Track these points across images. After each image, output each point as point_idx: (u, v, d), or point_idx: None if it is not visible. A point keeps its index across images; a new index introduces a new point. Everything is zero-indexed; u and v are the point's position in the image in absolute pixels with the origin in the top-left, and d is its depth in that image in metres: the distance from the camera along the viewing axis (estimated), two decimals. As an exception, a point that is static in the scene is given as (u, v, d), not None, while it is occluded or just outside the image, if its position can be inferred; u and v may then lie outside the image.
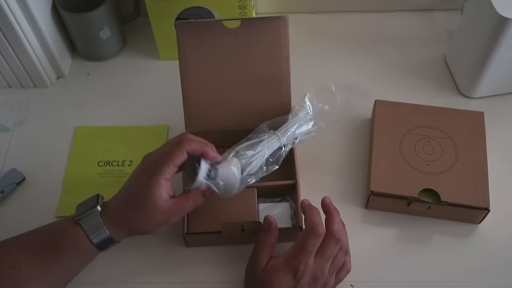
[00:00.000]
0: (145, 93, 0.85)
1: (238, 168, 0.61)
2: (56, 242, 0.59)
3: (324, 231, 0.59)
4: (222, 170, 0.60)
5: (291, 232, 0.67)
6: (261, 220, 0.66)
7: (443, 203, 0.67)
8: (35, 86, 0.86)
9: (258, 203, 0.68)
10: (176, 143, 0.60)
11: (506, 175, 0.74)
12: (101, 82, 0.87)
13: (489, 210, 0.67)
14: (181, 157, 0.59)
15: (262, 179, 0.67)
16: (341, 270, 0.63)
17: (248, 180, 0.62)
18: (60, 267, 0.59)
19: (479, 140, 0.72)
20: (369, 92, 0.71)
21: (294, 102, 0.72)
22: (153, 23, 0.83)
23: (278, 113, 0.71)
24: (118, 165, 0.76)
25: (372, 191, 0.68)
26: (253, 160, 0.62)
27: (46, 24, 0.80)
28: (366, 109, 0.79)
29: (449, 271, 0.67)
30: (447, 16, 0.93)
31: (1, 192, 0.73)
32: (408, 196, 0.68)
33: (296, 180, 0.68)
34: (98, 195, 0.62)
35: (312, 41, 0.91)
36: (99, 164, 0.77)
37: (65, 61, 0.88)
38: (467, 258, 0.68)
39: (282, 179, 0.72)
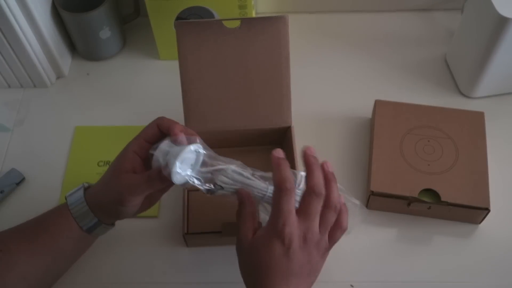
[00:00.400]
0: (145, 93, 0.85)
1: (191, 158, 0.55)
2: (45, 222, 0.60)
3: (292, 185, 0.54)
4: (173, 150, 0.54)
5: None
6: (261, 220, 0.66)
7: (443, 203, 0.67)
8: (35, 86, 0.86)
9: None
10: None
11: (506, 175, 0.74)
12: (101, 82, 0.87)
13: (489, 210, 0.66)
14: (151, 130, 0.58)
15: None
16: (334, 229, 0.57)
17: (204, 177, 0.56)
18: (48, 246, 0.60)
19: (479, 140, 0.72)
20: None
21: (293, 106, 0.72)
22: (153, 23, 0.83)
23: (278, 113, 0.71)
24: None
25: (372, 191, 0.68)
26: (227, 186, 0.57)
27: (46, 24, 0.80)
28: (366, 109, 0.79)
29: (449, 271, 0.67)
30: (447, 16, 0.93)
31: (1, 192, 0.73)
32: (408, 196, 0.68)
33: None
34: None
35: (312, 41, 0.91)
36: (99, 164, 0.77)
37: (65, 61, 0.88)
38: (467, 258, 0.68)
39: None
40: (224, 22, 0.69)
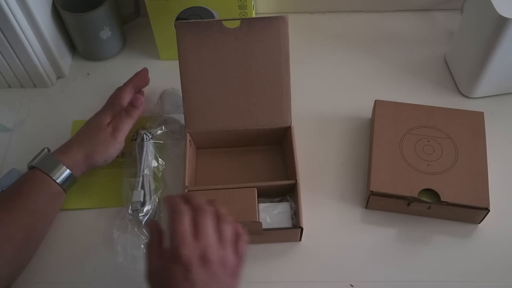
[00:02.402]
0: (145, 93, 0.85)
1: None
2: (19, 186, 0.66)
3: (183, 207, 0.54)
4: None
5: (292, 232, 0.67)
6: (261, 219, 0.66)
7: (443, 203, 0.67)
8: (35, 86, 0.86)
9: (258, 203, 0.68)
10: (127, 115, 0.73)
11: (506, 175, 0.74)
12: (101, 82, 0.87)
13: (489, 210, 0.67)
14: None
15: (263, 179, 0.70)
16: (237, 241, 0.56)
17: None
18: (26, 208, 0.64)
19: (479, 140, 0.72)
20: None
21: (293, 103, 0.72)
22: (153, 23, 0.83)
23: (278, 113, 0.72)
24: (117, 156, 0.76)
25: (372, 191, 0.68)
26: None
27: (46, 24, 0.80)
28: (366, 109, 0.79)
29: (449, 271, 0.67)
30: (447, 16, 0.93)
31: (1, 192, 0.73)
32: (408, 196, 0.68)
33: (296, 180, 0.68)
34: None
35: (312, 41, 0.91)
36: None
37: (65, 61, 0.88)
38: (467, 258, 0.68)
39: (282, 179, 0.72)
40: (224, 22, 0.69)
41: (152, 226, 0.57)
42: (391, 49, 0.89)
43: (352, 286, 0.66)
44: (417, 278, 0.67)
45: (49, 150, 0.69)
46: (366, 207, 0.72)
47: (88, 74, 0.88)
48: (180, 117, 0.76)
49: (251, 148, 0.77)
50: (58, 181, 0.66)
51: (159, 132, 0.76)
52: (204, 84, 0.71)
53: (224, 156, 0.76)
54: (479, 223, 0.70)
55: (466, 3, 0.81)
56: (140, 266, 0.63)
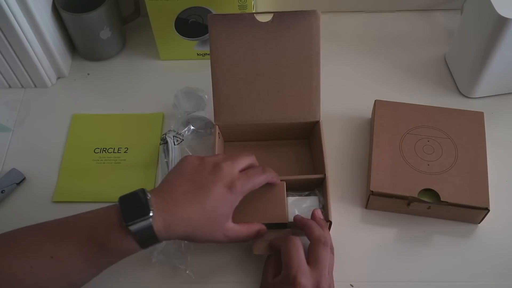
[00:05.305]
0: (145, 93, 0.85)
1: None
2: (103, 241, 0.54)
3: (299, 240, 0.59)
4: None
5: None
6: (290, 213, 0.66)
7: (443, 203, 0.67)
8: (35, 86, 0.86)
9: (287, 196, 0.67)
10: (262, 170, 0.62)
11: (506, 175, 0.74)
12: (101, 82, 0.87)
13: (489, 210, 0.67)
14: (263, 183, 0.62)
15: (290, 173, 0.71)
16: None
17: None
18: (102, 265, 0.57)
19: (479, 140, 0.72)
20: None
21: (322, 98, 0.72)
22: (153, 23, 0.83)
23: (307, 107, 0.72)
24: (114, 152, 0.77)
25: (372, 191, 0.69)
26: None
27: (46, 24, 0.80)
28: (366, 109, 0.80)
29: (449, 271, 0.67)
30: (447, 16, 0.93)
31: (1, 192, 0.73)
32: (408, 196, 0.68)
33: (325, 174, 0.68)
34: (144, 191, 0.56)
35: (312, 41, 0.91)
36: (95, 151, 0.78)
37: (65, 61, 0.88)
38: (467, 258, 0.68)
39: (308, 173, 0.72)
40: (256, 15, 0.69)
41: (279, 241, 0.61)
42: (391, 49, 0.89)
43: (352, 286, 0.66)
44: (417, 278, 0.67)
45: (152, 213, 0.54)
46: (366, 207, 0.72)
47: (88, 74, 0.88)
48: (202, 114, 0.76)
49: (278, 142, 0.76)
50: (144, 247, 0.56)
51: (186, 132, 0.76)
52: (234, 77, 0.71)
53: (251, 150, 0.75)
54: (479, 223, 0.70)
55: (466, 3, 0.81)
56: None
